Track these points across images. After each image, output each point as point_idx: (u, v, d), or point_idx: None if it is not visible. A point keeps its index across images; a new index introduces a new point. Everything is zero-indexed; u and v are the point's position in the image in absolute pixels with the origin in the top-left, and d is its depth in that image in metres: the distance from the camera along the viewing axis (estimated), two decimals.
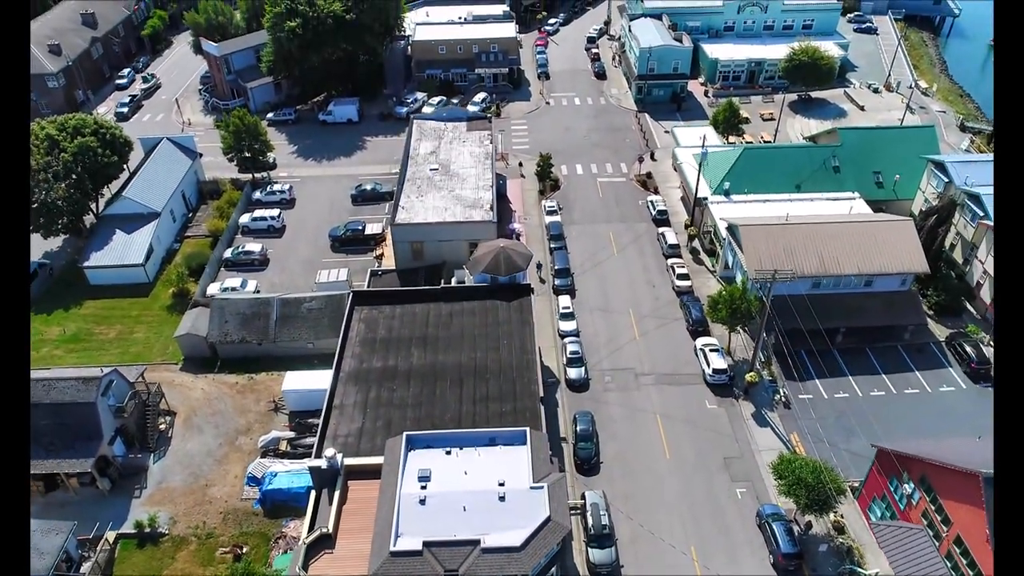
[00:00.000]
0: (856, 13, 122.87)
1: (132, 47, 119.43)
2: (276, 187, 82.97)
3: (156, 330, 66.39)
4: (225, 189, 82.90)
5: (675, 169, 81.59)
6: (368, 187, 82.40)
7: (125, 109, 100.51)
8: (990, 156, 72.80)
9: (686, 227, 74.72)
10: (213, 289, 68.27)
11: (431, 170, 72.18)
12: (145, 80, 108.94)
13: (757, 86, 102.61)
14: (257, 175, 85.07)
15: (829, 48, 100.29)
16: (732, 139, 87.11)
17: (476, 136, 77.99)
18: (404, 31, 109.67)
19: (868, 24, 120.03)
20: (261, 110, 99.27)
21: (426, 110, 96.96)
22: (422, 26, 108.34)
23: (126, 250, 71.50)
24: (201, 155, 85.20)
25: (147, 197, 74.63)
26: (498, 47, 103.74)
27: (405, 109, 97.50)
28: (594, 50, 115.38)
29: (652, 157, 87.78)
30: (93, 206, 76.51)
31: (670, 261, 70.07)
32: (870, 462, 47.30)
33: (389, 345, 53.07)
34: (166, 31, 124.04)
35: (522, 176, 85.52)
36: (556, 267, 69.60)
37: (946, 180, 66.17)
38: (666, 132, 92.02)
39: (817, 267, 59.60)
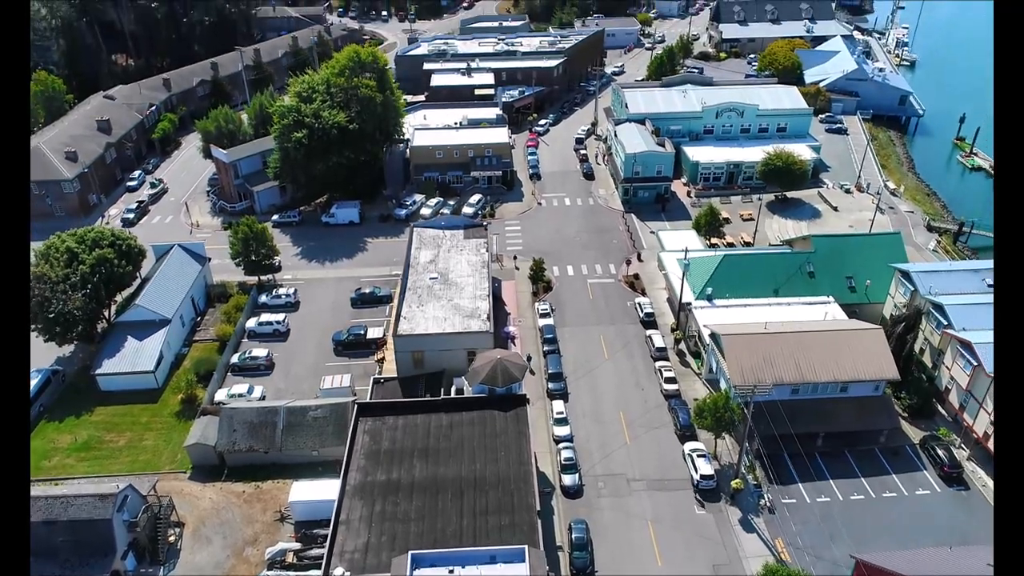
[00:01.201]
0: (827, 114, 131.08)
1: (143, 149, 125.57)
2: (281, 291, 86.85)
3: (165, 437, 68.85)
4: (232, 293, 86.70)
5: (660, 272, 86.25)
6: (367, 291, 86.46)
7: (132, 215, 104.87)
8: (952, 264, 77.98)
9: (672, 331, 78.75)
10: (221, 395, 71.26)
11: (431, 279, 76.41)
12: (152, 185, 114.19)
13: (736, 186, 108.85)
14: (263, 277, 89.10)
15: (802, 152, 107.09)
16: (714, 240, 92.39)
17: (473, 244, 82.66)
18: (403, 135, 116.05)
19: (839, 125, 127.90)
20: (266, 212, 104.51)
21: (424, 211, 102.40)
22: (420, 131, 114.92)
23: (137, 357, 74.47)
24: (210, 259, 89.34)
25: (159, 304, 78.03)
26: (492, 151, 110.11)
27: (404, 211, 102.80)
28: (582, 151, 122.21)
29: (639, 258, 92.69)
30: (105, 313, 79.99)
31: (658, 364, 73.73)
32: (850, 572, 49.93)
33: (392, 457, 55.80)
34: (175, 132, 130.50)
35: (517, 268, 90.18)
36: (550, 371, 73.05)
37: (912, 288, 70.88)
38: (652, 233, 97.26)
39: (795, 375, 63.38)
